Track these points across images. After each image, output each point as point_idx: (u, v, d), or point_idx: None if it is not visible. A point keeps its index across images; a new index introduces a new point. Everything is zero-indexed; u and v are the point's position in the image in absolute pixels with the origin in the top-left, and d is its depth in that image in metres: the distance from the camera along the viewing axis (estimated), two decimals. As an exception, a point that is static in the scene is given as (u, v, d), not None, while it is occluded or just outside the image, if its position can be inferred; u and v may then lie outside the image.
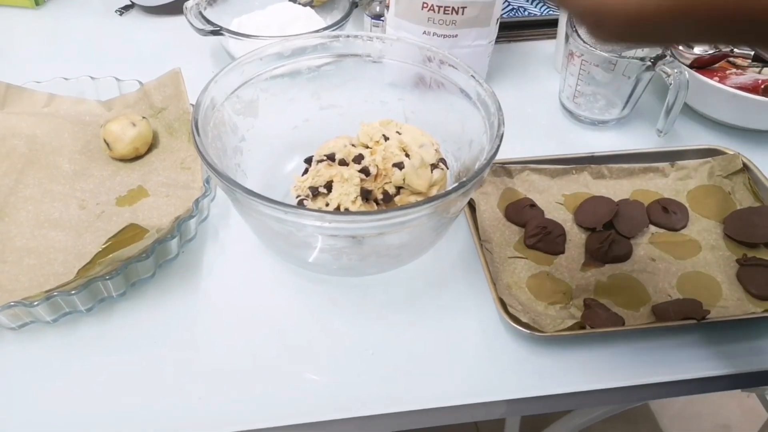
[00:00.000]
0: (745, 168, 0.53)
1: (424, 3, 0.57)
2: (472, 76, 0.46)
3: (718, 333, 0.43)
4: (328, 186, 0.46)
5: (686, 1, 0.26)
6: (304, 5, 0.71)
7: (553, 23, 0.70)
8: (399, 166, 0.46)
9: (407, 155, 0.47)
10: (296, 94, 0.52)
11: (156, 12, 0.77)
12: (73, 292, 0.40)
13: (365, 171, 0.46)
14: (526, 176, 0.53)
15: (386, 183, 0.47)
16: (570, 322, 0.42)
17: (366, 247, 0.43)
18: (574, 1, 0.29)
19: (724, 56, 0.62)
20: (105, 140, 0.53)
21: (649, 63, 0.55)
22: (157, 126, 0.56)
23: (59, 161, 0.53)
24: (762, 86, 0.59)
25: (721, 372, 0.41)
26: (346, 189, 0.45)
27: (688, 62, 0.61)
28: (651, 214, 0.51)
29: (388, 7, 0.61)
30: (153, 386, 0.40)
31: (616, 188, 0.53)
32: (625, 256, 0.47)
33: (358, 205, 0.45)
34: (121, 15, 0.77)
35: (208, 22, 0.64)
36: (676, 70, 0.53)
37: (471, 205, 0.50)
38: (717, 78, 0.59)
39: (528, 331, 0.41)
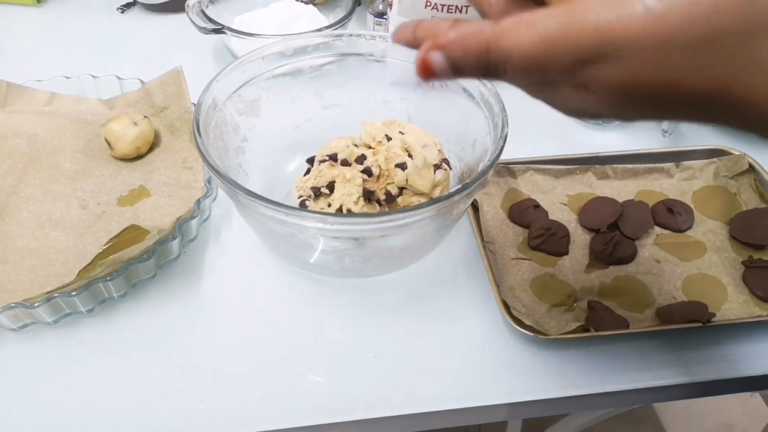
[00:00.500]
0: (751, 168, 0.53)
1: (427, 1, 0.57)
2: (475, 75, 0.46)
3: (724, 336, 0.43)
4: (331, 186, 0.46)
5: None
6: (307, 3, 0.71)
7: (558, 21, 0.70)
8: (402, 166, 0.46)
9: (410, 155, 0.47)
10: (298, 93, 0.51)
11: (158, 10, 0.76)
12: (73, 293, 0.40)
13: (368, 171, 0.46)
14: (529, 177, 0.53)
15: (389, 183, 0.46)
16: (574, 325, 0.41)
17: (368, 249, 0.43)
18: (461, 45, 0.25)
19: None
20: (106, 139, 0.53)
21: (654, 62, 0.54)
22: (159, 125, 0.56)
23: (60, 161, 0.53)
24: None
25: (727, 375, 0.41)
26: (349, 189, 0.45)
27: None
28: (656, 215, 0.50)
29: (391, 5, 0.60)
30: (154, 388, 0.40)
31: (621, 189, 0.53)
32: (629, 258, 0.47)
33: (361, 206, 0.45)
34: (122, 13, 0.77)
35: (210, 20, 0.63)
36: (681, 70, 0.53)
37: (474, 206, 0.50)
38: (723, 77, 0.59)
39: (532, 334, 0.41)
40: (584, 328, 0.41)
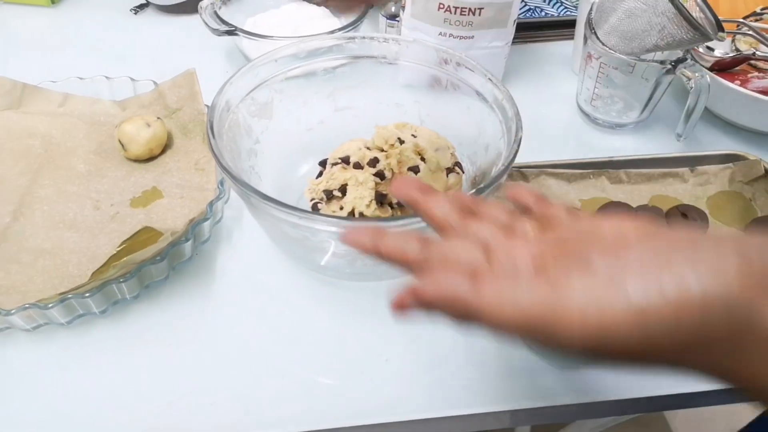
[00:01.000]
0: (767, 174, 0.52)
1: (440, 4, 0.57)
2: (489, 79, 0.46)
3: (739, 343, 0.42)
4: (343, 189, 0.46)
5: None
6: (319, 5, 0.71)
7: (571, 24, 0.70)
8: (414, 170, 0.46)
9: (423, 159, 0.47)
10: (311, 96, 0.51)
11: (171, 11, 0.77)
12: (87, 294, 0.40)
13: (380, 174, 0.46)
14: (542, 181, 0.53)
15: (401, 187, 0.46)
16: (587, 331, 0.41)
17: (381, 253, 0.42)
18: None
19: (746, 59, 0.61)
20: (120, 141, 0.53)
21: (669, 66, 0.54)
22: (172, 127, 0.56)
23: (74, 161, 0.54)
24: (785, 90, 0.58)
25: (741, 384, 0.40)
26: (361, 192, 0.45)
27: (709, 65, 0.60)
28: (670, 220, 0.50)
29: (403, 7, 0.60)
30: (166, 389, 0.40)
31: (635, 193, 0.52)
32: (643, 264, 0.47)
33: (373, 209, 0.45)
34: (136, 14, 0.77)
35: (223, 21, 0.64)
36: (697, 74, 0.52)
37: (486, 210, 0.50)
38: (738, 81, 0.58)
39: (544, 340, 0.40)
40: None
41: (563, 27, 0.73)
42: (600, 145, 0.60)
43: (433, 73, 0.50)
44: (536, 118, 0.61)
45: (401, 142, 0.48)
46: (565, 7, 0.75)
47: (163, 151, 0.55)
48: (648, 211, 0.50)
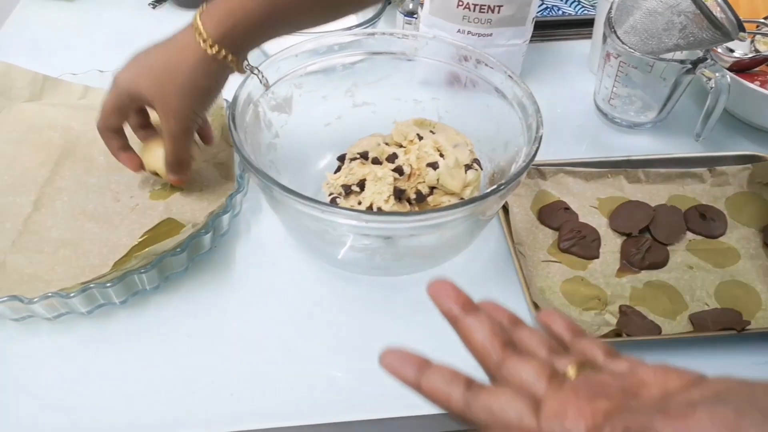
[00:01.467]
0: (787, 175, 0.52)
1: (459, 1, 0.57)
2: (509, 76, 0.46)
3: (758, 344, 0.42)
4: (361, 184, 0.46)
5: None
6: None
7: (589, 23, 0.69)
8: (433, 166, 0.46)
9: (441, 155, 0.47)
10: (330, 91, 0.52)
11: (189, 5, 0.77)
12: (108, 284, 0.41)
13: (399, 170, 0.46)
14: (560, 179, 0.53)
15: (419, 183, 0.46)
16: (606, 329, 0.41)
17: (399, 248, 0.43)
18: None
19: (765, 59, 0.61)
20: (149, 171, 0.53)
21: (689, 66, 0.54)
22: (190, 120, 0.57)
23: (94, 153, 0.54)
24: (805, 91, 0.58)
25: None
26: (379, 188, 0.45)
27: (728, 65, 0.60)
28: (688, 220, 0.50)
29: (422, 4, 0.60)
30: (185, 379, 0.40)
31: (653, 193, 0.52)
32: (662, 263, 0.47)
33: (391, 205, 0.45)
34: (154, 8, 0.77)
35: (242, 17, 0.64)
36: (718, 74, 0.52)
37: (504, 207, 0.50)
38: (758, 82, 0.58)
39: (562, 337, 0.40)
40: (616, 333, 0.41)
41: (581, 26, 0.73)
42: (617, 145, 0.59)
43: (452, 70, 0.50)
44: (553, 117, 0.61)
45: (420, 138, 0.48)
46: (583, 6, 0.75)
47: (181, 145, 0.55)
48: (666, 210, 0.50)
